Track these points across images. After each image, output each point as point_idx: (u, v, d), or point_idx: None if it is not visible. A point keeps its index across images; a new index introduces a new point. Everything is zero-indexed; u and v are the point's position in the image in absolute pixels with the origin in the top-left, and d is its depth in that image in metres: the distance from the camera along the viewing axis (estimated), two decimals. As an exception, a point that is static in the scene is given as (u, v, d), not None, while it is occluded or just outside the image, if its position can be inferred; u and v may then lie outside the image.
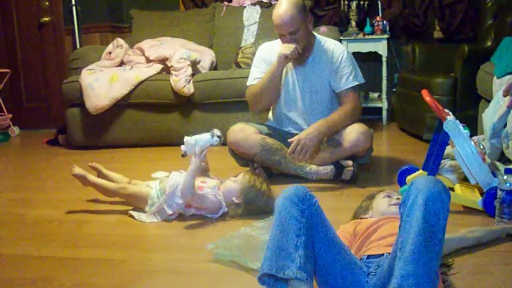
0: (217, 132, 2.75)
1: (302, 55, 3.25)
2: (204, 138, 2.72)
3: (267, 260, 1.48)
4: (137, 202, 2.80)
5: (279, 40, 3.37)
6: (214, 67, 5.11)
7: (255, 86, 3.37)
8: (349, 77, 3.28)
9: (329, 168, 3.22)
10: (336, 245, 1.58)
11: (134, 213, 2.76)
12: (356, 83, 3.31)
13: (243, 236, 2.20)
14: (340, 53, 3.30)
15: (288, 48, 3.13)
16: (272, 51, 3.37)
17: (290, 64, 3.32)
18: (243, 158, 3.38)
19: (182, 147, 2.70)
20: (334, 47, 3.33)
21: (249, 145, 3.26)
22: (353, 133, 3.19)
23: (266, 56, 3.40)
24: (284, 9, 3.07)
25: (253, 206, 2.64)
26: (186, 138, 2.70)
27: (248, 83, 3.46)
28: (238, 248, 2.10)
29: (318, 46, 3.32)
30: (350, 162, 3.22)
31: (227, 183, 2.74)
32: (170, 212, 2.67)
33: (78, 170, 2.95)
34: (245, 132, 3.29)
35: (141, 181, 2.94)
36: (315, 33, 3.39)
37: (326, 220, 1.60)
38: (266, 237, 2.08)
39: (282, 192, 1.60)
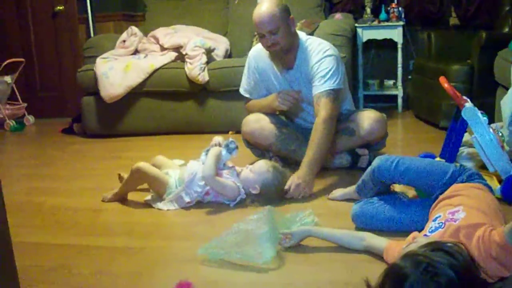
0: (231, 144, 2.78)
1: (287, 58, 3.12)
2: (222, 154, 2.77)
3: None
4: (156, 185, 2.76)
5: None
6: (228, 55, 5.10)
7: (252, 108, 3.38)
8: (320, 81, 3.00)
9: (345, 156, 3.21)
10: None
11: (151, 201, 2.76)
12: (327, 88, 2.96)
13: (239, 232, 2.12)
14: (319, 55, 3.06)
15: (284, 102, 3.06)
16: (260, 57, 3.27)
17: (279, 69, 3.20)
18: (258, 148, 3.37)
19: (203, 157, 2.77)
20: (315, 49, 3.09)
21: (264, 136, 3.24)
22: (368, 121, 3.16)
23: (254, 65, 3.30)
24: (264, 8, 2.96)
25: (272, 191, 2.65)
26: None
27: (241, 91, 3.43)
28: (235, 245, 2.04)
29: (302, 49, 3.11)
30: (366, 150, 3.21)
31: (245, 173, 2.74)
32: (188, 200, 2.67)
33: (109, 197, 2.91)
34: (260, 122, 3.26)
35: (166, 159, 2.96)
36: (302, 35, 3.18)
37: None
38: (262, 230, 2.06)
39: None
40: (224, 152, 2.75)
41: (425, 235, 1.80)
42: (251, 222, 2.15)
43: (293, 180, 2.77)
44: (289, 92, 3.06)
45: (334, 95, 2.98)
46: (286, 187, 2.75)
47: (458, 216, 1.79)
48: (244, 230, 2.11)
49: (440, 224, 1.80)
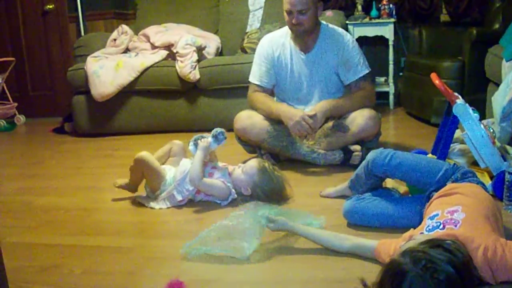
0: (219, 136, 2.76)
1: (308, 40, 3.25)
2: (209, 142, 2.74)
3: None
4: (153, 178, 2.71)
5: (281, 30, 3.39)
6: (219, 53, 5.09)
7: (255, 101, 3.37)
8: (357, 67, 3.27)
9: (337, 153, 3.20)
10: None
11: (143, 200, 2.74)
12: (366, 71, 3.29)
13: (220, 227, 2.11)
14: (347, 43, 3.28)
15: (299, 131, 3.09)
16: (274, 43, 3.37)
17: (296, 52, 3.31)
18: (250, 145, 3.37)
19: (191, 147, 2.75)
20: (340, 37, 3.30)
21: (256, 132, 3.25)
22: (361, 118, 3.17)
23: (267, 51, 3.37)
24: None
25: (263, 193, 2.62)
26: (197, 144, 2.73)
27: (250, 79, 3.45)
28: (217, 240, 2.05)
29: (324, 34, 3.30)
30: (358, 147, 3.21)
31: (236, 173, 2.71)
32: (180, 198, 2.66)
33: (121, 184, 2.88)
34: (252, 119, 3.28)
35: (181, 149, 2.93)
36: (322, 22, 3.35)
37: None
38: (244, 225, 2.05)
39: None
40: (212, 142, 2.73)
41: (421, 233, 1.80)
42: (233, 218, 2.15)
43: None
44: (309, 123, 3.08)
45: (370, 77, 3.36)
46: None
47: (458, 216, 1.79)
48: (225, 226, 2.11)
49: (438, 223, 1.79)
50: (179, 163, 2.80)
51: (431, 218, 1.85)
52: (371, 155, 2.30)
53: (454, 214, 1.80)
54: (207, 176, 2.68)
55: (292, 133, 3.16)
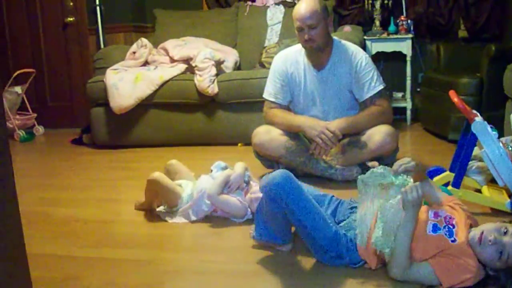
0: (245, 177, 2.76)
1: (321, 57, 3.25)
2: (237, 176, 2.72)
3: None
4: (169, 198, 2.73)
5: (295, 47, 3.39)
6: (237, 67, 5.11)
7: (273, 116, 3.37)
8: (371, 84, 3.25)
9: (355, 169, 3.20)
10: None
11: (161, 213, 2.76)
12: (381, 87, 3.27)
13: None
14: (360, 59, 3.26)
15: (324, 139, 3.12)
16: (288, 60, 3.37)
17: (309, 68, 3.31)
18: (268, 160, 3.38)
19: (214, 170, 2.81)
20: (353, 53, 3.28)
21: (274, 147, 3.26)
22: (379, 134, 3.17)
23: (281, 68, 3.37)
24: (307, 3, 3.12)
25: None
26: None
27: (265, 96, 3.46)
28: None
29: (337, 50, 3.29)
30: (376, 163, 3.21)
31: (253, 195, 2.65)
32: (194, 218, 2.67)
33: (138, 205, 2.92)
34: (270, 134, 3.29)
35: (180, 165, 2.95)
36: (334, 37, 3.35)
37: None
38: None
39: None
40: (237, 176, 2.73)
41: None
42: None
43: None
44: (328, 137, 3.12)
45: (386, 93, 3.38)
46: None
47: (443, 213, 1.99)
48: None
49: (446, 226, 1.93)
50: (190, 176, 2.86)
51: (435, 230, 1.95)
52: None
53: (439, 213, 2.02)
54: (226, 191, 2.68)
55: (311, 150, 3.17)
